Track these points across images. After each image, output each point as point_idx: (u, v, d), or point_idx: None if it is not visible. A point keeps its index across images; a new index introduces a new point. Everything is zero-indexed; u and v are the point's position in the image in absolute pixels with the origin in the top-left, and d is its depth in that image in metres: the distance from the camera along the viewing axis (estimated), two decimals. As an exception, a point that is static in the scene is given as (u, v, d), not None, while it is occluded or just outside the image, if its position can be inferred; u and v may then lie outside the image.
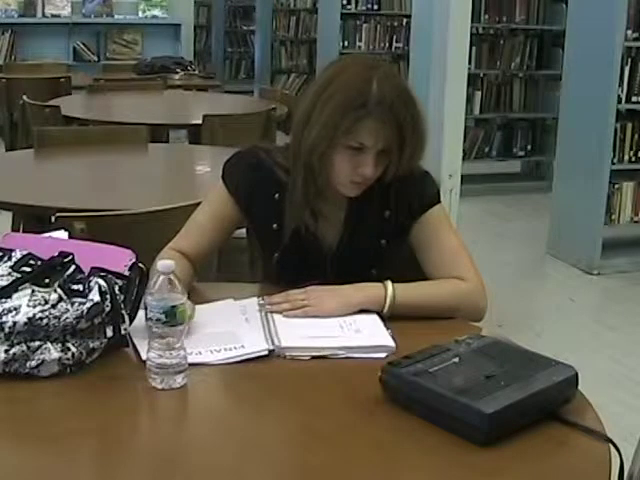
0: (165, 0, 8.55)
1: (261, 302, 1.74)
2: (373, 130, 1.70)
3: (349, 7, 8.10)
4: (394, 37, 8.20)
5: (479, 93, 6.52)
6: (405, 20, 7.84)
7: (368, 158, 1.72)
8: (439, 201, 1.88)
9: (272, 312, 1.70)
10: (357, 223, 1.86)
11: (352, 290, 1.73)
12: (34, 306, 1.42)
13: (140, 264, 1.57)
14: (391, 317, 1.70)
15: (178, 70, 6.59)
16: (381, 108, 1.68)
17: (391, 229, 1.86)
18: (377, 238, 1.86)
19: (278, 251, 1.87)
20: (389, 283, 1.73)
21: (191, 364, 1.45)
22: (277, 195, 1.85)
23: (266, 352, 1.54)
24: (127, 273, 1.54)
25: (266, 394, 1.46)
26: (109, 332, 1.48)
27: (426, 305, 1.75)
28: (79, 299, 1.45)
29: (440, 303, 1.77)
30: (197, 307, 1.64)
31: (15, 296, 1.44)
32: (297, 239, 1.85)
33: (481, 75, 6.55)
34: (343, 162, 1.74)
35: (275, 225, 1.86)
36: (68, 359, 1.43)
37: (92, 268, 1.51)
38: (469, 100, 6.21)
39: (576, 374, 1.39)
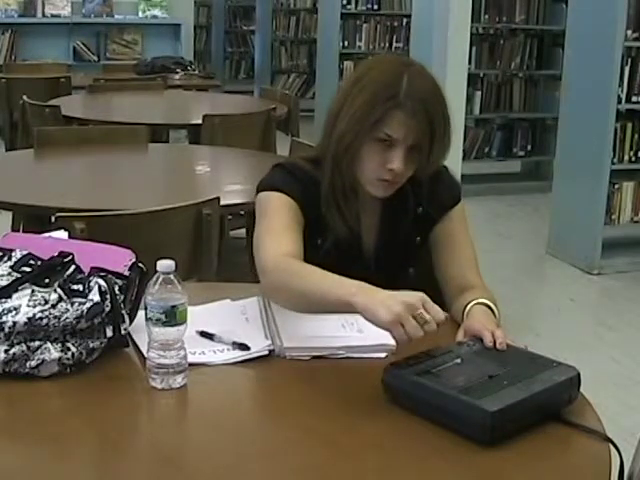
0: (165, 0, 8.54)
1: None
2: (403, 122, 1.67)
3: (349, 7, 8.11)
4: (394, 37, 8.21)
5: (479, 93, 6.51)
6: (405, 20, 7.84)
7: (397, 153, 1.68)
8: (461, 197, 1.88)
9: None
10: (393, 223, 1.83)
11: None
12: (34, 306, 1.42)
13: (140, 264, 1.57)
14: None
15: (178, 70, 6.59)
16: (412, 101, 1.66)
17: (424, 225, 1.84)
18: (412, 236, 1.85)
19: (319, 265, 1.71)
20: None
21: (191, 364, 1.45)
22: (324, 209, 1.78)
23: (267, 352, 1.54)
24: (127, 273, 1.54)
25: (266, 394, 1.46)
26: (109, 332, 1.48)
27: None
28: (79, 299, 1.45)
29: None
30: (197, 308, 1.64)
31: (15, 296, 1.43)
32: (338, 248, 1.77)
33: (481, 75, 6.54)
34: (372, 157, 1.71)
35: (319, 240, 1.78)
36: (68, 359, 1.43)
37: (92, 268, 1.50)
38: (469, 100, 6.21)
39: (578, 375, 1.39)
